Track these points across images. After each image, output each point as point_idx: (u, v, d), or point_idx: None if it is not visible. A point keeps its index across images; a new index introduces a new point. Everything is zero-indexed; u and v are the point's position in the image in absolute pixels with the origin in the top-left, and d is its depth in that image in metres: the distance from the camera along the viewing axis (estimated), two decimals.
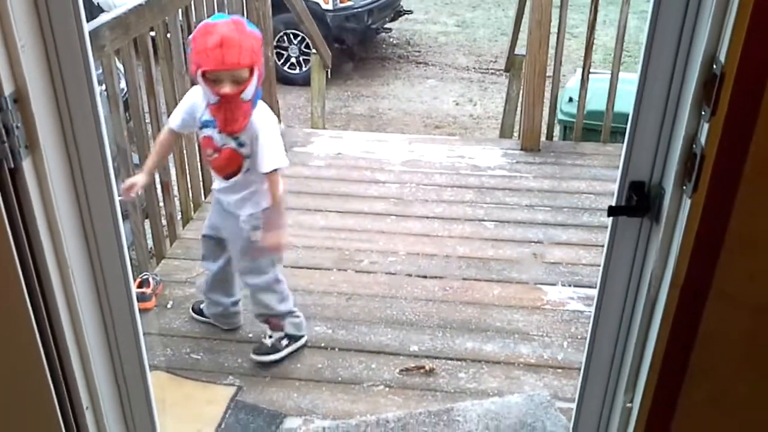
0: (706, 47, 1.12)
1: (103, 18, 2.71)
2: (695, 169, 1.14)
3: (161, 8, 3.09)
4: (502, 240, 3.32)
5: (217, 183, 2.49)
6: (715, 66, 1.11)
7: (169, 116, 3.24)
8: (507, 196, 3.72)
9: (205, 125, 2.35)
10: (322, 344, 2.67)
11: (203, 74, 2.17)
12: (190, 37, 2.23)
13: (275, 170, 2.34)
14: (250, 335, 2.71)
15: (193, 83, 2.42)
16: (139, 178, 2.39)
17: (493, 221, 3.48)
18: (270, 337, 2.60)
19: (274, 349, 2.58)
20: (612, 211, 1.33)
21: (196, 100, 2.37)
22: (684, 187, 1.20)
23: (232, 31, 2.15)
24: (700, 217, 1.14)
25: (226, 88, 2.17)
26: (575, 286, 2.98)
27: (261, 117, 2.31)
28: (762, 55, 1.02)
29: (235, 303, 2.71)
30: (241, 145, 2.32)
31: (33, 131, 1.16)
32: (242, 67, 2.16)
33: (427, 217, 3.52)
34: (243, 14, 4.09)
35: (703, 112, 1.14)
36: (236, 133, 2.29)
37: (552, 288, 2.97)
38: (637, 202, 1.30)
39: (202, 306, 2.76)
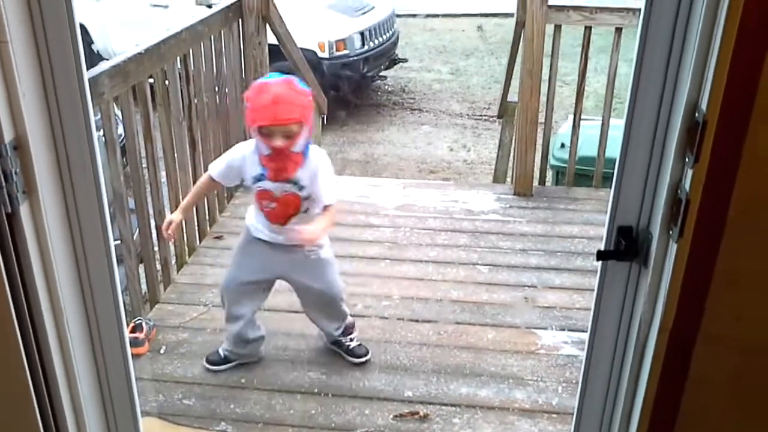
0: (688, 95, 1.15)
1: (102, 66, 2.76)
2: (681, 214, 1.17)
3: (160, 56, 3.15)
4: (496, 284, 3.33)
5: (264, 230, 2.59)
6: (697, 114, 1.14)
7: (165, 162, 3.30)
8: (500, 240, 3.74)
9: (258, 179, 2.50)
10: (316, 390, 2.65)
11: (258, 129, 2.35)
12: (245, 94, 2.44)
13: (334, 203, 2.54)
14: (243, 380, 2.69)
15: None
16: (176, 217, 2.59)
17: (486, 265, 3.49)
18: (352, 340, 2.81)
19: (365, 348, 2.82)
20: (601, 256, 1.35)
21: (245, 154, 2.52)
22: (670, 232, 1.22)
23: (284, 89, 2.36)
24: (686, 261, 1.16)
25: (278, 142, 2.34)
26: (569, 330, 2.98)
27: (316, 157, 2.50)
28: (742, 102, 1.06)
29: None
30: (301, 188, 2.47)
31: (31, 177, 1.18)
32: (292, 123, 2.34)
33: (421, 261, 3.53)
34: (241, 61, 4.17)
35: (687, 159, 1.17)
36: (290, 179, 2.44)
37: (546, 332, 2.97)
38: (626, 246, 1.32)
39: (221, 350, 2.77)
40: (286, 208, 2.51)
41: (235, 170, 2.57)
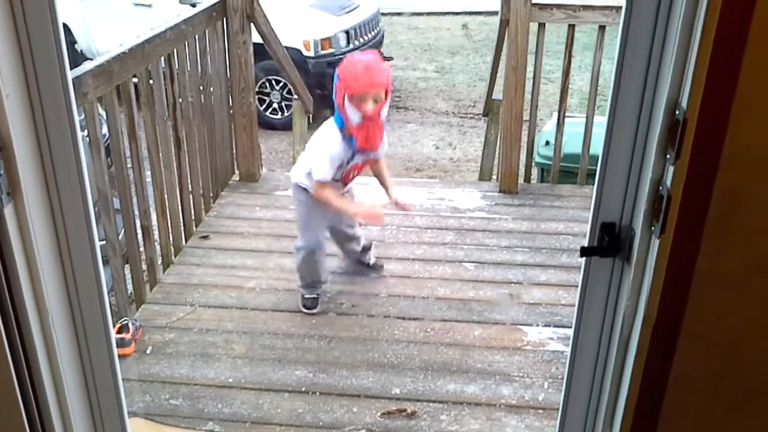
0: (668, 94, 1.17)
1: (86, 66, 2.74)
2: (662, 210, 1.18)
3: (144, 56, 3.14)
4: (482, 281, 3.35)
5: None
6: (677, 112, 1.16)
7: (150, 161, 3.28)
8: (486, 237, 3.75)
9: (350, 159, 2.81)
10: (303, 388, 2.65)
11: (351, 96, 2.62)
12: (337, 70, 2.71)
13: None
14: (230, 380, 2.69)
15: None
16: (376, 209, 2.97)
17: (473, 262, 3.51)
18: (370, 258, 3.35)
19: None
20: (584, 252, 1.36)
21: (337, 141, 2.77)
22: (652, 228, 1.23)
23: (372, 59, 2.70)
24: (668, 256, 1.17)
25: (370, 106, 2.62)
26: (555, 326, 3.00)
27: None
28: (721, 100, 1.07)
29: None
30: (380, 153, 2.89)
31: (15, 178, 1.18)
32: (382, 88, 2.65)
33: (408, 259, 3.54)
34: (225, 60, 4.16)
35: (668, 156, 1.19)
36: (376, 150, 2.80)
37: (532, 329, 2.99)
38: (609, 242, 1.33)
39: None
40: (358, 172, 2.94)
41: (337, 161, 2.76)
